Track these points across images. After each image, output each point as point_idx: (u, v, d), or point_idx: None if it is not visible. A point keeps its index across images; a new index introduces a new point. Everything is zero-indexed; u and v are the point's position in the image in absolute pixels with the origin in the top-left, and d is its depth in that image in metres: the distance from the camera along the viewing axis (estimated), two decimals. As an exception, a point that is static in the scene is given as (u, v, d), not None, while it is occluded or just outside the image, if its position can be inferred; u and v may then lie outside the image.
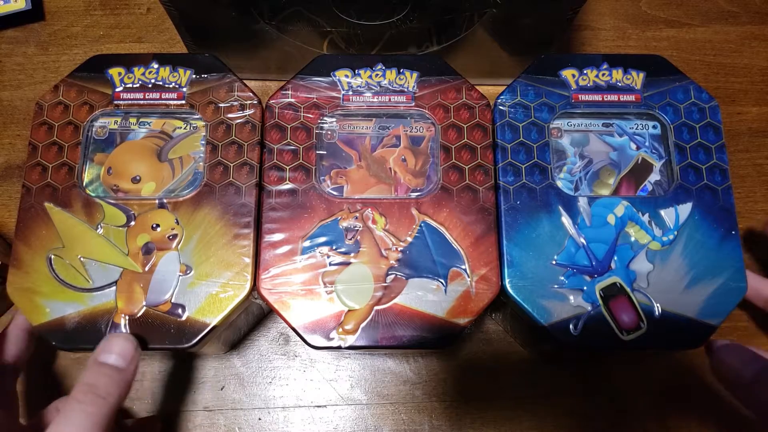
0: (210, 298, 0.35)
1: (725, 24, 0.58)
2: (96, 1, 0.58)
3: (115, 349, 0.33)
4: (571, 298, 0.36)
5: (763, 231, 0.48)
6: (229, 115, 0.39)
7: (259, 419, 0.46)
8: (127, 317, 0.35)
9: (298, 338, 0.36)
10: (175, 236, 0.37)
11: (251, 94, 0.40)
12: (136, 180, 0.39)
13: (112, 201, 0.38)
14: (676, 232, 0.37)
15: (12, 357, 0.38)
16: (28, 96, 0.54)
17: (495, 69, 0.52)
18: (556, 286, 0.36)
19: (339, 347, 0.35)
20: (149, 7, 0.58)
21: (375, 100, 0.40)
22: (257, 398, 0.46)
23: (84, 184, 0.39)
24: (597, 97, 0.40)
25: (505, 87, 0.40)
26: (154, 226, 0.37)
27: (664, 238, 0.37)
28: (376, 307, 0.36)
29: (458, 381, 0.47)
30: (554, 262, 0.36)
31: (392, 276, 0.36)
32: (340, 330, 0.35)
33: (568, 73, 0.40)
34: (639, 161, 0.40)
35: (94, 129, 0.40)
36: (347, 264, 0.37)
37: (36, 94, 0.54)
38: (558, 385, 0.47)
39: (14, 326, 0.39)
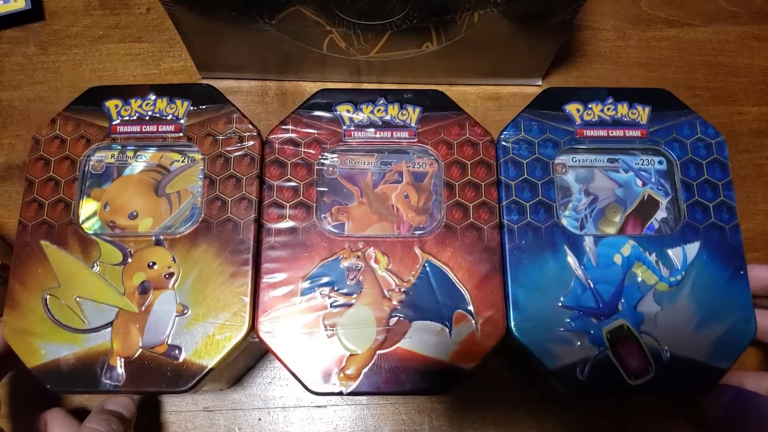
0: (207, 339, 0.35)
1: (726, 24, 0.58)
2: (96, 0, 0.57)
3: (121, 403, 0.38)
4: (578, 341, 0.35)
5: None
6: (227, 148, 0.38)
7: (259, 419, 0.45)
8: (122, 359, 0.34)
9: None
10: (171, 275, 0.36)
11: (250, 125, 0.39)
12: (133, 216, 0.38)
13: (108, 238, 0.37)
14: (683, 272, 0.36)
15: None
16: (27, 96, 0.54)
17: (495, 69, 0.52)
18: (562, 329, 0.35)
19: (340, 393, 0.34)
20: (149, 6, 0.57)
21: (377, 135, 0.39)
22: (257, 398, 0.46)
23: (80, 220, 0.38)
24: (602, 133, 0.39)
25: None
26: (151, 264, 0.36)
27: (672, 279, 0.36)
28: (379, 351, 0.35)
29: None
30: (560, 304, 0.35)
31: (395, 318, 0.35)
32: (342, 375, 0.34)
33: (572, 108, 0.39)
34: (645, 198, 0.39)
35: (91, 163, 0.39)
36: (349, 306, 0.36)
37: (36, 94, 0.54)
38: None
39: None
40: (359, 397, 0.46)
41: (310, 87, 0.54)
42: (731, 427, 0.37)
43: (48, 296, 0.35)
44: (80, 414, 0.42)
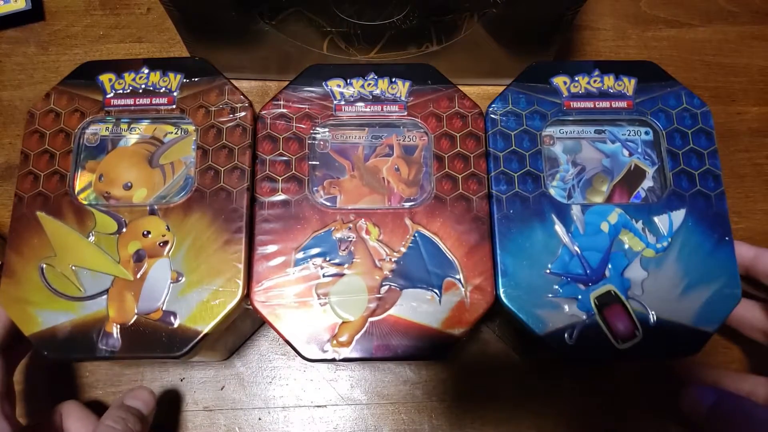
0: (202, 305, 0.35)
1: (725, 24, 0.58)
2: (96, 1, 0.58)
3: (140, 397, 0.39)
4: (566, 307, 0.35)
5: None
6: (220, 119, 0.39)
7: (259, 419, 0.46)
8: (118, 326, 0.35)
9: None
10: (165, 243, 0.36)
11: (242, 96, 0.40)
12: (127, 187, 0.39)
13: (103, 208, 0.37)
14: (670, 239, 0.37)
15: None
16: (28, 96, 0.54)
17: (495, 69, 0.52)
18: (550, 295, 0.36)
19: (333, 359, 0.35)
20: (149, 7, 0.58)
21: (368, 109, 0.40)
22: (257, 398, 0.46)
23: (76, 191, 0.38)
24: (589, 104, 0.40)
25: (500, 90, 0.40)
26: (145, 233, 0.37)
27: (658, 245, 0.37)
28: (371, 319, 0.36)
29: (458, 381, 0.47)
30: (548, 271, 0.36)
31: (386, 287, 0.36)
32: (335, 342, 0.35)
33: (559, 81, 0.40)
34: (632, 168, 0.40)
35: (85, 136, 0.40)
36: (341, 275, 0.36)
37: (36, 94, 0.54)
38: (558, 385, 0.47)
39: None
40: (359, 397, 0.46)
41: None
42: (713, 430, 0.37)
43: (44, 265, 0.36)
44: (95, 407, 0.43)
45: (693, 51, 0.57)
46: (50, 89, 0.40)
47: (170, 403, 0.46)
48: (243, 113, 0.39)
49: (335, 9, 0.44)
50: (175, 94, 0.39)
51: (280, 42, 0.48)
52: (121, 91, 0.40)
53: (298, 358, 0.46)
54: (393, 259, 0.37)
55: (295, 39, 0.48)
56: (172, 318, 0.35)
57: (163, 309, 0.35)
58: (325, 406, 0.46)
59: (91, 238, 0.37)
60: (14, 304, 0.35)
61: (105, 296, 0.35)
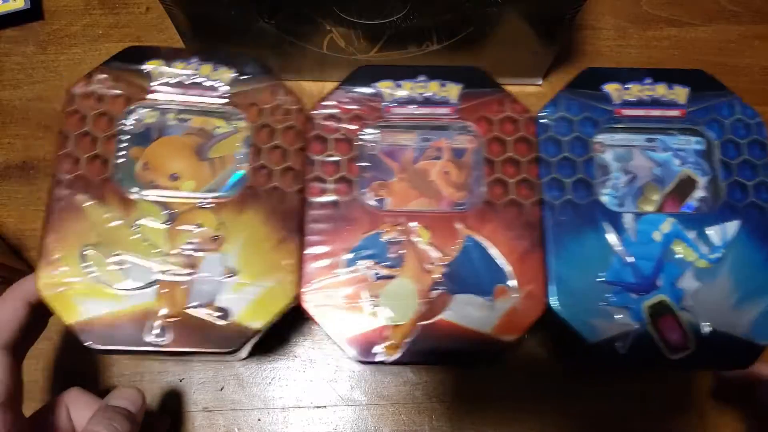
0: (255, 302, 0.35)
1: (727, 23, 0.58)
2: (95, 0, 0.58)
3: (126, 396, 0.37)
4: (618, 316, 0.35)
5: None
6: (273, 119, 0.39)
7: (259, 420, 0.46)
8: (167, 319, 0.34)
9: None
10: (217, 237, 0.36)
11: (294, 99, 0.39)
12: (174, 177, 0.38)
13: (150, 197, 0.36)
14: (723, 250, 0.36)
15: (5, 336, 0.34)
16: (27, 96, 0.54)
17: (495, 69, 0.51)
18: (602, 304, 0.35)
19: (383, 362, 0.35)
20: (149, 6, 0.57)
21: (418, 111, 0.40)
22: (257, 399, 0.46)
23: (119, 178, 0.37)
24: (641, 112, 0.39)
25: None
26: (197, 226, 0.36)
27: (711, 256, 0.36)
28: (421, 323, 0.35)
29: (459, 382, 0.47)
30: (601, 280, 0.36)
31: (437, 291, 0.36)
32: (384, 345, 0.35)
33: (611, 87, 0.40)
34: (683, 178, 0.39)
35: (129, 122, 0.39)
36: (391, 278, 0.36)
37: (35, 93, 0.54)
38: (559, 387, 0.46)
39: (10, 297, 0.35)
40: (359, 398, 0.46)
41: (310, 86, 0.54)
42: None
43: (87, 252, 0.35)
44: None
45: (694, 51, 0.57)
46: (92, 69, 0.39)
47: (170, 404, 0.46)
48: (295, 115, 0.39)
49: (335, 8, 0.44)
50: (226, 89, 0.39)
51: (279, 41, 0.48)
52: (169, 80, 0.39)
53: (297, 358, 0.47)
54: (443, 263, 0.36)
55: (294, 38, 0.48)
56: (224, 314, 0.34)
57: (216, 305, 0.35)
58: (324, 406, 0.46)
59: (136, 227, 0.36)
60: (54, 291, 0.34)
61: (153, 288, 0.34)
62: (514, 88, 0.52)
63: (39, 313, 0.35)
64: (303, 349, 0.47)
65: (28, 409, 0.36)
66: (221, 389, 0.46)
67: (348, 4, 0.44)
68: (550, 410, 0.46)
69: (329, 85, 0.52)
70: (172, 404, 0.46)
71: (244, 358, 0.46)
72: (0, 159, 0.52)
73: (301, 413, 0.46)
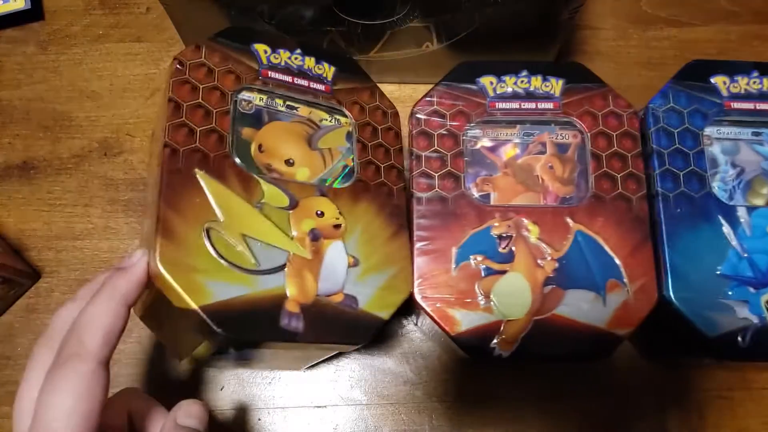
0: (380, 291, 0.34)
1: (726, 23, 0.57)
2: (95, 0, 0.57)
3: (195, 413, 0.32)
4: (737, 309, 0.35)
5: None
6: (374, 118, 0.39)
7: (259, 419, 0.45)
8: (300, 305, 0.32)
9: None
10: (339, 226, 0.35)
11: (390, 103, 0.40)
12: (290, 163, 0.37)
13: (271, 180, 0.35)
14: (838, 244, 0.36)
15: (105, 349, 0.28)
16: (27, 96, 0.54)
17: None
18: (720, 298, 0.35)
19: (500, 357, 0.35)
20: (149, 6, 0.57)
21: (521, 106, 0.39)
22: (257, 398, 0.46)
23: (236, 156, 0.35)
24: (749, 106, 0.39)
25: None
26: (319, 213, 0.35)
27: (826, 250, 0.36)
28: (535, 318, 0.35)
29: (459, 381, 0.46)
30: (718, 273, 0.35)
31: (550, 286, 0.36)
32: (499, 340, 0.35)
33: (719, 80, 0.39)
34: (790, 172, 0.39)
35: (239, 101, 0.37)
36: (503, 273, 0.36)
37: (35, 93, 0.54)
38: (559, 386, 0.46)
39: (108, 299, 0.29)
40: (359, 398, 0.46)
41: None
42: None
43: (211, 229, 0.32)
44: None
45: (694, 51, 0.56)
46: (200, 42, 0.36)
47: (169, 404, 0.45)
48: (393, 117, 0.39)
49: (335, 8, 0.44)
50: (331, 83, 0.39)
51: None
52: (277, 65, 0.38)
53: None
54: (555, 258, 0.36)
55: (294, 38, 0.48)
56: (353, 302, 0.34)
57: (345, 292, 0.34)
58: (325, 406, 0.46)
59: (259, 208, 0.34)
60: (179, 270, 0.30)
61: (282, 272, 0.33)
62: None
63: None
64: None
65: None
66: (221, 389, 0.46)
67: (348, 4, 0.44)
68: (550, 410, 0.46)
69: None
70: (172, 404, 0.44)
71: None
72: (0, 159, 0.52)
73: (301, 413, 0.45)
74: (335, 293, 0.34)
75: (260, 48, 0.38)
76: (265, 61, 0.38)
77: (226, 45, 0.37)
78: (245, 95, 0.38)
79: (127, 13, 0.57)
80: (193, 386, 0.46)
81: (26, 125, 0.53)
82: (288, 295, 0.32)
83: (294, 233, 0.34)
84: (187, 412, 0.32)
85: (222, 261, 0.31)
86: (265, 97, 0.38)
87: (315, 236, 0.35)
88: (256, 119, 0.38)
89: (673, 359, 0.45)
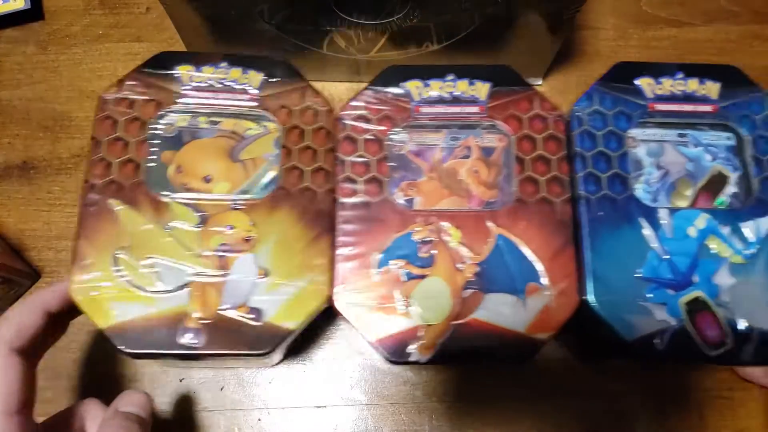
0: (288, 303, 0.35)
1: (726, 23, 0.58)
2: (95, 0, 0.58)
3: (135, 401, 0.35)
4: (655, 312, 0.35)
5: None
6: (303, 120, 0.39)
7: (259, 419, 0.45)
8: (201, 321, 0.34)
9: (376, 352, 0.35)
10: (250, 238, 0.36)
11: (323, 100, 0.39)
12: (207, 180, 0.38)
13: (183, 200, 0.37)
14: (758, 246, 0.36)
15: (18, 340, 0.33)
16: (27, 96, 0.54)
17: None
18: (640, 301, 0.35)
19: (417, 362, 0.35)
20: (149, 6, 0.57)
21: (447, 111, 0.39)
22: (257, 398, 0.46)
23: (151, 181, 0.37)
24: (673, 107, 0.39)
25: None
26: (229, 227, 0.36)
27: (746, 252, 0.36)
28: (454, 322, 0.35)
29: (459, 381, 0.46)
30: (638, 276, 0.35)
31: (469, 290, 0.36)
32: (418, 345, 0.35)
33: (643, 82, 0.39)
34: (715, 173, 0.39)
35: (161, 126, 0.39)
36: (423, 278, 0.36)
37: (35, 93, 0.54)
38: (559, 386, 0.46)
39: (28, 304, 0.34)
40: (359, 398, 0.46)
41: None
42: None
43: (119, 256, 0.35)
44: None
45: (694, 51, 0.57)
46: (123, 76, 0.39)
47: (170, 404, 0.45)
48: (325, 117, 0.39)
49: (335, 8, 0.44)
50: (256, 92, 0.39)
51: (280, 42, 0.48)
52: (199, 84, 0.39)
53: (298, 358, 0.46)
54: (475, 263, 0.36)
55: (294, 38, 0.48)
56: (258, 315, 0.34)
57: (249, 305, 0.35)
58: (324, 406, 0.46)
59: (169, 230, 0.36)
60: (87, 296, 0.34)
61: (186, 290, 0.35)
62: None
63: (57, 321, 0.35)
64: (303, 348, 0.47)
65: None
66: (221, 389, 0.46)
67: (348, 4, 0.44)
68: (549, 410, 0.46)
69: (329, 86, 0.53)
70: (173, 404, 0.45)
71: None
72: (0, 159, 0.52)
73: (301, 413, 0.46)
74: (239, 306, 0.34)
75: (183, 70, 0.39)
76: (187, 82, 0.39)
77: (150, 74, 0.39)
78: (167, 119, 0.39)
79: (127, 13, 0.57)
80: (193, 386, 0.46)
81: (26, 125, 0.53)
82: (189, 311, 0.34)
83: (201, 250, 0.35)
84: (128, 401, 0.35)
85: (128, 284, 0.34)
86: (188, 117, 0.39)
87: (223, 252, 0.36)
88: (177, 141, 0.39)
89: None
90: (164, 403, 0.46)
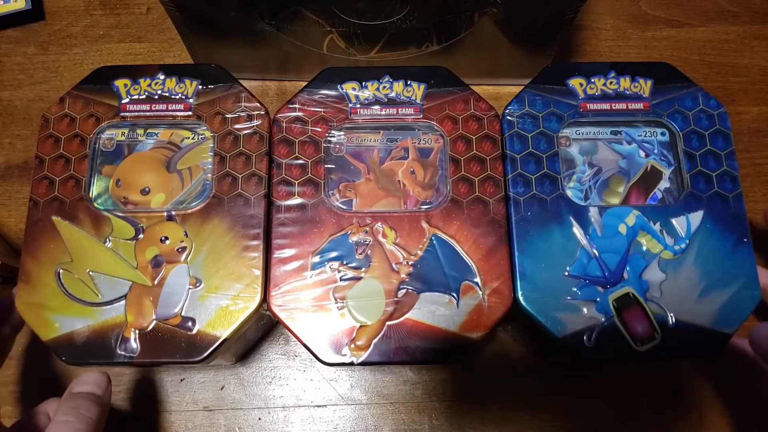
0: (220, 311, 0.35)
1: (725, 24, 0.58)
2: (96, 0, 0.58)
3: (90, 380, 0.36)
4: (585, 309, 0.35)
5: (764, 222, 0.46)
6: (237, 126, 0.39)
7: (259, 419, 0.46)
8: (137, 331, 0.35)
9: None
10: (184, 249, 0.36)
11: (258, 104, 0.40)
12: (145, 192, 0.39)
13: (120, 214, 0.37)
14: (687, 241, 0.37)
15: None
16: (27, 96, 0.54)
17: (496, 69, 0.52)
18: (569, 298, 0.35)
19: (351, 363, 0.35)
20: (149, 6, 0.58)
21: (383, 112, 0.40)
22: (257, 398, 0.46)
23: (92, 197, 0.38)
24: (605, 106, 0.39)
25: (506, 88, 0.40)
26: (163, 239, 0.37)
27: (676, 247, 0.37)
28: (388, 323, 0.36)
29: (458, 380, 0.47)
30: (567, 274, 0.36)
31: (404, 290, 0.36)
32: (352, 346, 0.35)
33: (575, 82, 0.40)
34: (648, 169, 0.40)
35: (101, 141, 0.40)
36: (358, 279, 0.36)
37: (36, 94, 0.54)
38: (558, 385, 0.47)
39: None
40: (359, 397, 0.46)
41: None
42: None
43: (61, 270, 0.36)
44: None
45: (693, 51, 0.57)
46: (65, 93, 0.40)
47: (170, 404, 0.46)
48: (259, 121, 0.39)
49: (335, 9, 0.44)
50: (191, 100, 0.39)
51: (279, 42, 0.48)
52: (137, 97, 0.40)
53: (298, 358, 0.47)
54: (410, 263, 0.37)
55: (295, 39, 0.48)
56: (190, 323, 0.35)
57: (182, 315, 0.35)
58: (325, 406, 0.46)
59: (108, 244, 0.37)
60: (31, 310, 0.35)
61: (123, 302, 0.35)
62: (514, 88, 0.53)
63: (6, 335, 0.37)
64: (303, 348, 0.47)
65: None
66: (222, 388, 0.46)
67: (348, 4, 0.44)
68: (548, 409, 0.46)
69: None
70: (173, 404, 0.46)
71: (235, 363, 0.47)
72: (1, 159, 0.52)
73: (301, 412, 0.46)
74: (173, 316, 0.35)
75: (120, 83, 0.40)
76: (125, 96, 0.40)
77: (89, 90, 0.40)
78: (107, 134, 0.40)
79: (128, 13, 0.58)
80: (193, 386, 0.47)
81: (27, 125, 0.53)
82: (126, 322, 0.35)
83: (137, 263, 0.36)
84: (82, 380, 0.36)
85: (68, 297, 0.36)
86: (126, 131, 0.40)
87: (157, 263, 0.36)
88: (117, 155, 0.40)
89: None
90: (164, 402, 0.46)
